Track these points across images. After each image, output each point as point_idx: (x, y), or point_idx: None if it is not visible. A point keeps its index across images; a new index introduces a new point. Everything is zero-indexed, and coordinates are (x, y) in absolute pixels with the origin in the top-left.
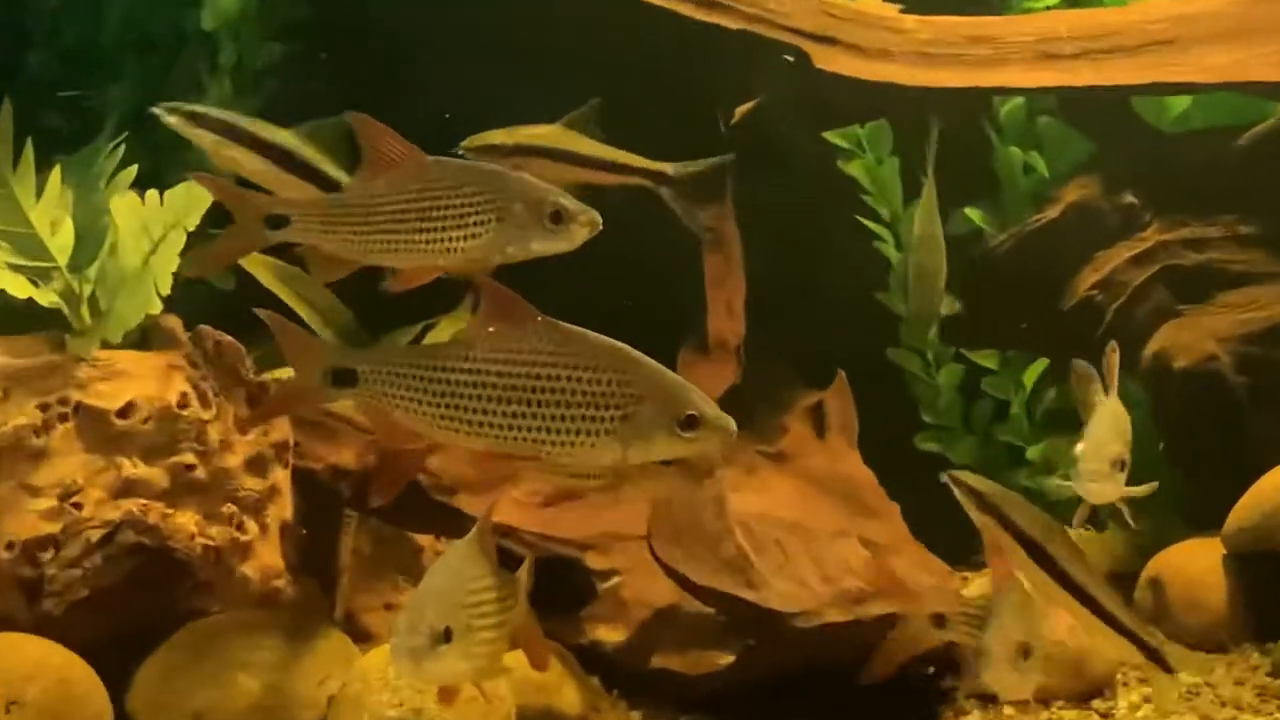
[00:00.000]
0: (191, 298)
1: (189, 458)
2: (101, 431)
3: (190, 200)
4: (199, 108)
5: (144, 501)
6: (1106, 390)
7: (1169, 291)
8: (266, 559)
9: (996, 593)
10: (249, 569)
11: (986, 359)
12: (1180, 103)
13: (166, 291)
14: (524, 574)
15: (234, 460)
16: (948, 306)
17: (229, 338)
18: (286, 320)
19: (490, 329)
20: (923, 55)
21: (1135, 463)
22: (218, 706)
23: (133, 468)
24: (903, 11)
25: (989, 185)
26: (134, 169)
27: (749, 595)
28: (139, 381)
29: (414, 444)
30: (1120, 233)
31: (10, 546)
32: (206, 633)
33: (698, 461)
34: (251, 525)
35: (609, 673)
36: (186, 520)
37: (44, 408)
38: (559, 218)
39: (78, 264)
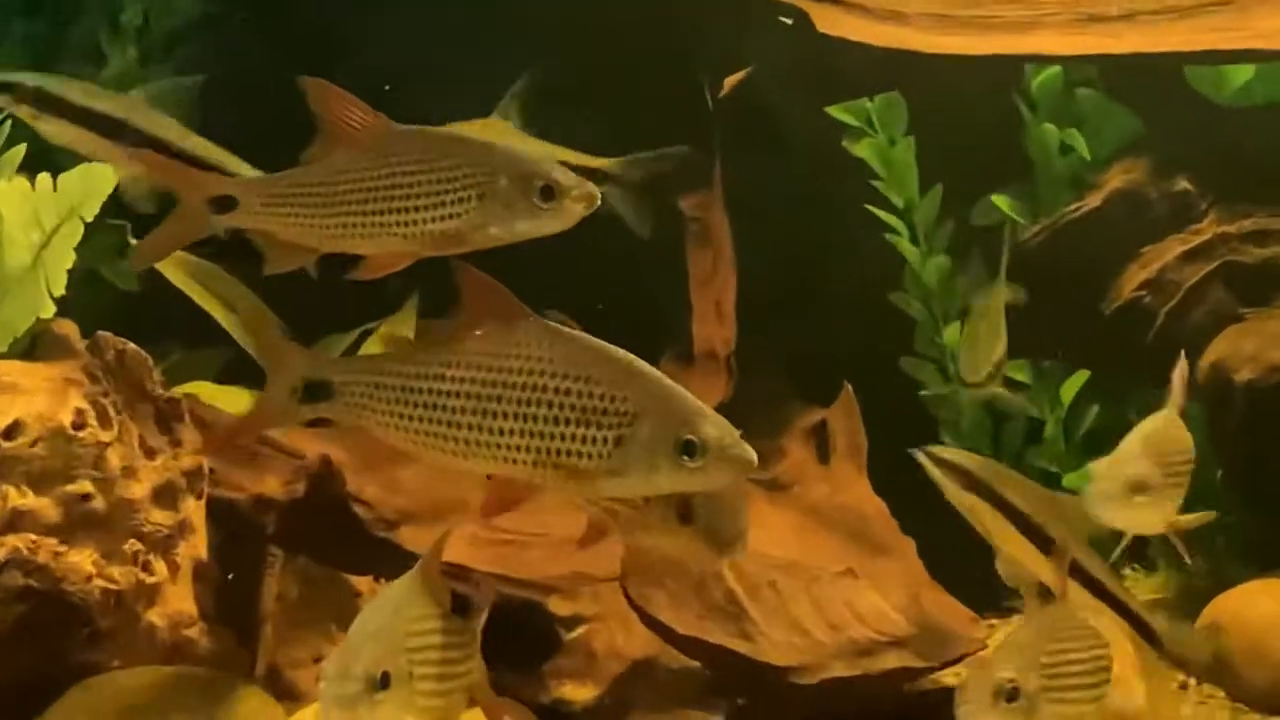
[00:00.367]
0: (89, 299)
1: (85, 486)
2: None
3: (88, 185)
4: (11, 76)
5: (33, 537)
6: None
7: (1229, 292)
8: (176, 604)
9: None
10: (156, 616)
11: (1017, 371)
12: (1241, 73)
13: (60, 292)
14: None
15: (139, 489)
16: (1012, 294)
17: (133, 346)
18: (267, 314)
19: (478, 331)
20: (941, 17)
21: (1190, 490)
22: None
23: (19, 498)
24: None
25: (1020, 168)
26: (21, 149)
27: (740, 646)
28: (26, 397)
29: (390, 468)
30: (1172, 224)
31: None
32: (105, 691)
33: (722, 520)
34: (159, 565)
35: None
36: (82, 559)
37: None
38: (550, 193)
39: None
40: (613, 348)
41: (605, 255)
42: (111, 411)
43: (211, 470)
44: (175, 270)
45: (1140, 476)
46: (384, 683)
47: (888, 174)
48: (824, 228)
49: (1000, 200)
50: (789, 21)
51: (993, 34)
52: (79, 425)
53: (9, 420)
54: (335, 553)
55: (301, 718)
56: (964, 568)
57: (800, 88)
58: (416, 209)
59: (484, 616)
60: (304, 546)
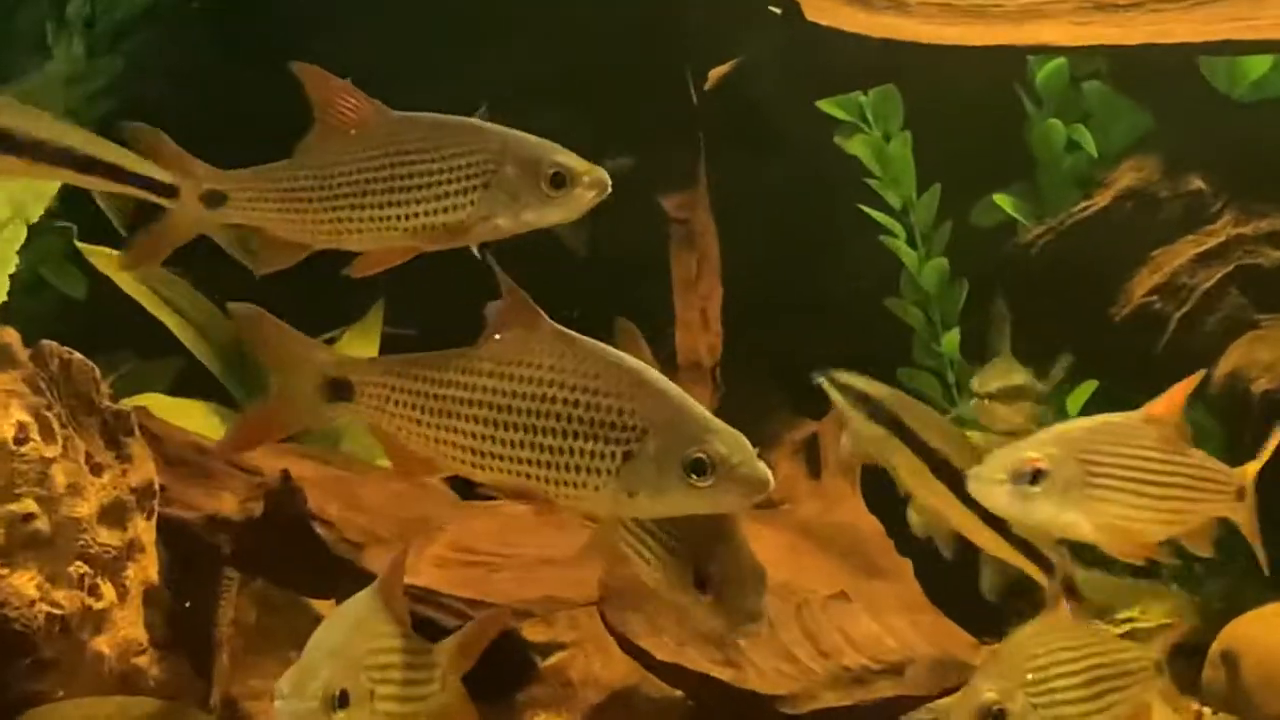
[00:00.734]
0: (33, 306)
1: (29, 505)
2: None
3: (33, 186)
4: None
5: None
6: None
7: (1245, 297)
8: (125, 630)
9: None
10: (103, 643)
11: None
12: (1258, 65)
13: (1, 298)
14: (452, 646)
15: (85, 508)
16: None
17: (79, 356)
18: (266, 315)
19: (496, 336)
20: (942, 6)
21: None
22: None
23: None
24: None
25: (1024, 166)
26: None
27: (725, 674)
28: None
29: (428, 474)
30: (1184, 225)
31: None
32: None
33: (741, 591)
34: (107, 589)
35: None
36: (24, 582)
37: None
38: (560, 180)
39: None
40: (626, 357)
41: (582, 258)
42: (56, 425)
43: (163, 488)
44: (126, 276)
45: (1032, 463)
46: (342, 701)
47: (883, 172)
48: (815, 229)
49: (1003, 200)
50: (777, 11)
51: (995, 24)
52: (21, 440)
53: None
54: (295, 575)
55: None
56: (963, 590)
57: (790, 80)
58: (417, 201)
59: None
60: (262, 568)
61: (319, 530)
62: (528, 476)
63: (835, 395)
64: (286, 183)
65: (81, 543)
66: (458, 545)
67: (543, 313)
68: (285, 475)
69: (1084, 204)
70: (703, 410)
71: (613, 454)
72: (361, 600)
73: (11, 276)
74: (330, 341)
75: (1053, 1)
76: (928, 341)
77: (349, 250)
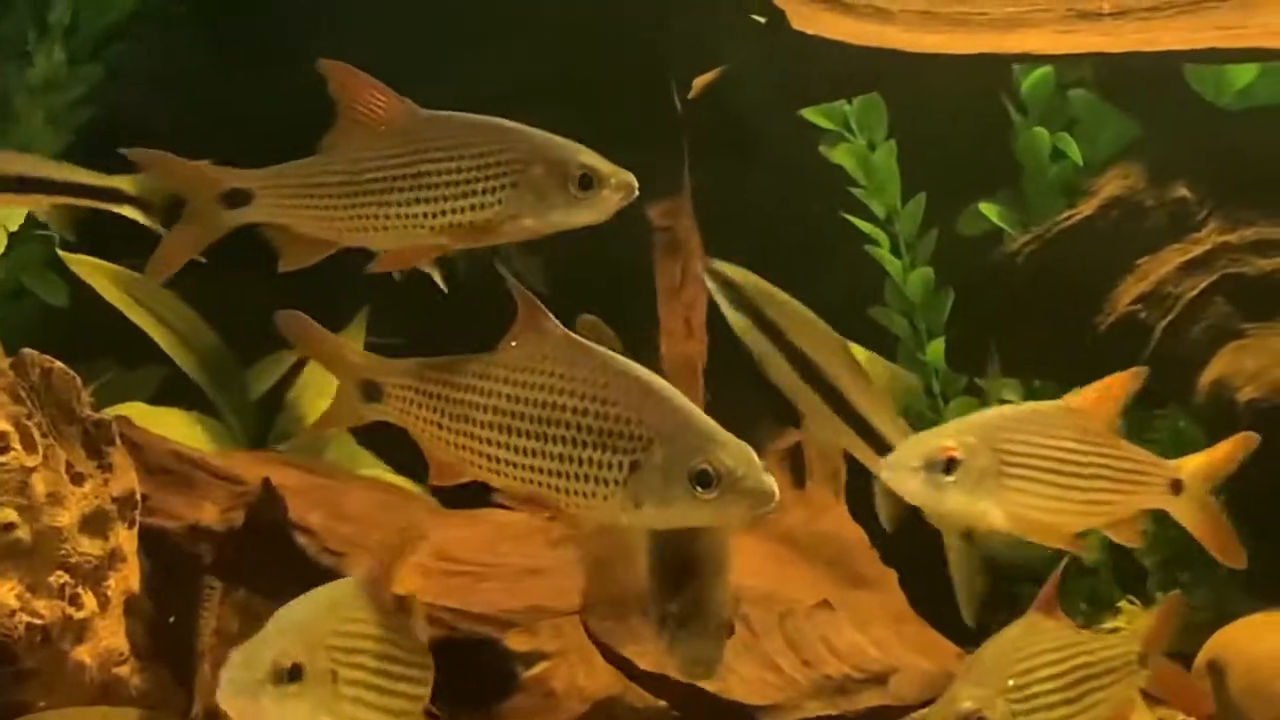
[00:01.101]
0: (14, 315)
1: (8, 514)
2: None
3: None
4: None
5: None
6: None
7: (1230, 306)
8: (107, 640)
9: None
10: (84, 653)
11: (1006, 389)
12: (1244, 74)
13: None
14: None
15: (66, 517)
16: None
17: (60, 364)
18: (307, 319)
19: (512, 343)
20: (926, 14)
21: None
22: None
23: None
24: None
25: (1009, 174)
26: None
27: (708, 684)
28: None
29: (454, 479)
30: (1170, 234)
31: None
32: None
33: (699, 642)
34: (88, 598)
35: None
36: (5, 592)
37: None
38: (588, 182)
39: None
40: (636, 367)
41: (566, 264)
42: (37, 434)
43: (144, 497)
44: (107, 284)
45: (945, 450)
46: (293, 675)
47: (867, 181)
48: (799, 238)
49: (989, 208)
50: (761, 20)
51: (979, 32)
52: (1, 449)
53: None
54: (277, 584)
55: None
56: (950, 599)
57: (774, 89)
58: (444, 199)
59: None
60: (244, 577)
61: (301, 539)
62: (539, 484)
63: (709, 283)
64: (312, 179)
65: (62, 552)
66: (441, 554)
67: (555, 320)
68: (267, 484)
69: (1069, 213)
70: (710, 422)
71: (620, 464)
72: (341, 584)
73: None
74: None
75: (1038, 10)
76: (913, 350)
77: (374, 248)
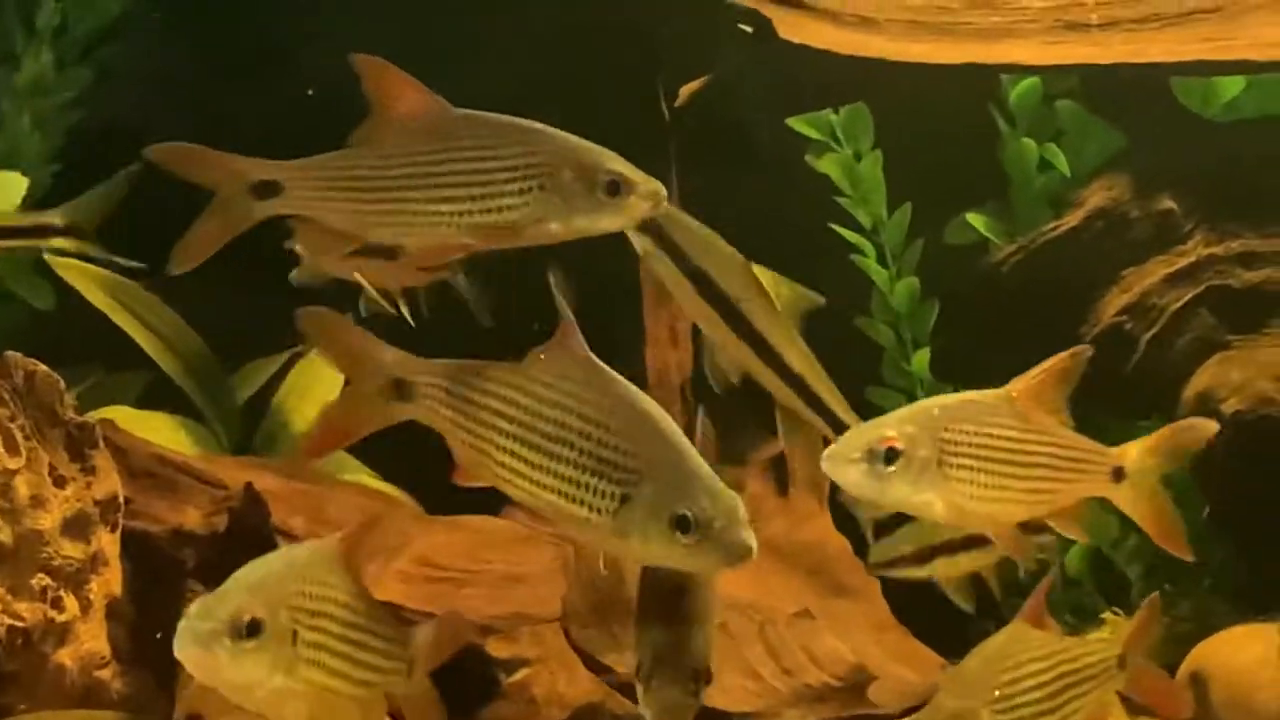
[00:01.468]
0: (0, 319)
1: None
2: None
3: None
4: None
5: None
6: None
7: (1215, 318)
8: (88, 644)
9: None
10: (65, 656)
11: None
12: (1231, 87)
13: None
14: (426, 636)
15: (48, 520)
16: None
17: (44, 368)
18: (334, 315)
19: (541, 355)
20: (912, 24)
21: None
22: None
23: None
24: None
25: (996, 185)
26: None
27: None
28: None
29: (477, 482)
30: (1155, 245)
31: None
32: None
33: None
34: (70, 602)
35: None
36: None
37: None
38: (616, 188)
39: None
40: (646, 400)
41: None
42: (19, 437)
43: (127, 500)
44: (93, 288)
45: (886, 440)
46: (251, 630)
47: (853, 191)
48: (785, 247)
49: (975, 219)
50: (749, 29)
51: (966, 42)
52: None
53: None
54: None
55: None
56: (932, 609)
57: (761, 98)
58: (470, 198)
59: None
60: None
61: (283, 544)
62: (543, 500)
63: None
64: (342, 172)
65: (44, 555)
66: (423, 560)
67: (582, 341)
68: (249, 489)
69: (1054, 224)
70: (702, 466)
71: (613, 493)
72: (316, 545)
73: None
74: (297, 357)
75: (1025, 20)
76: (898, 360)
77: (400, 244)
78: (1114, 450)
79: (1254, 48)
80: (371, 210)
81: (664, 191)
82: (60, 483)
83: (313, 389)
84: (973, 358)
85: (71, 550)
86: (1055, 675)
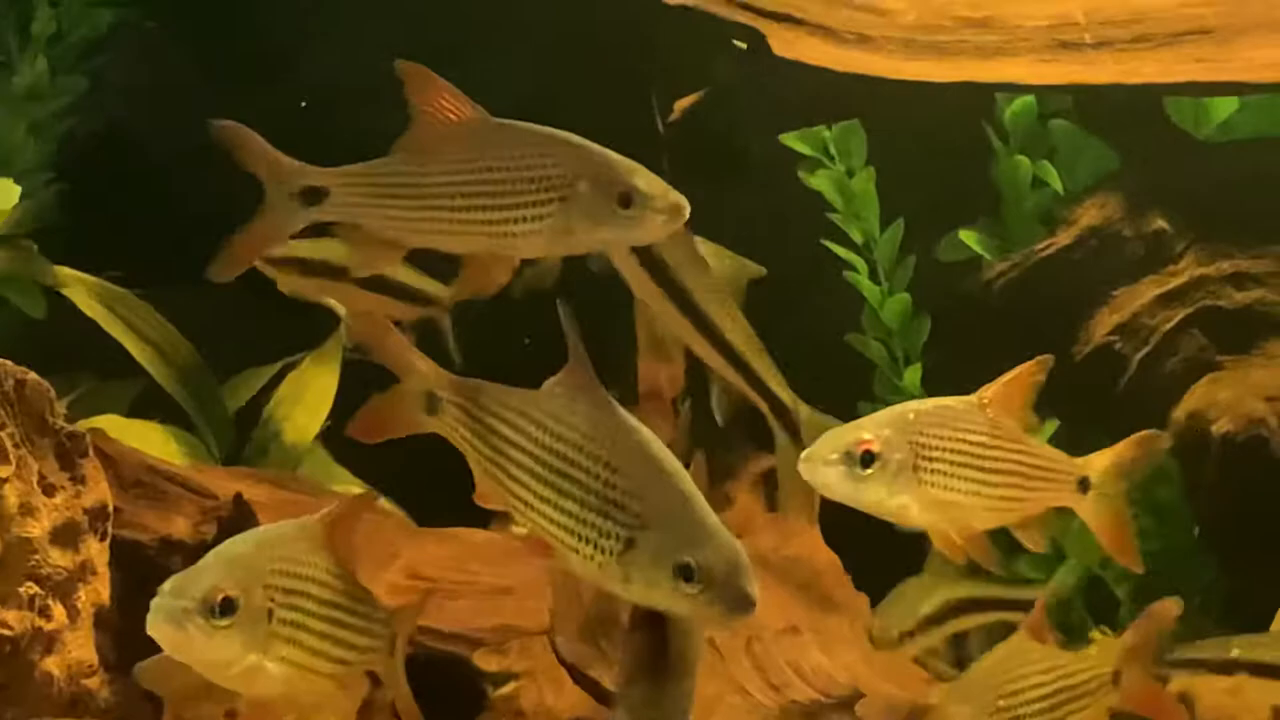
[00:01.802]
0: None
1: None
2: None
3: None
4: None
5: None
6: None
7: (1206, 339)
8: (76, 652)
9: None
10: (53, 664)
11: None
12: (1224, 107)
13: None
14: (404, 611)
15: (37, 529)
16: None
17: (34, 375)
18: (385, 322)
19: (556, 387)
20: (907, 42)
21: (1164, 548)
22: None
23: None
24: None
25: (988, 202)
26: None
27: None
28: None
29: (495, 504)
30: (1147, 265)
31: None
32: None
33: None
34: (58, 610)
35: None
36: None
37: None
38: (629, 201)
39: None
40: (655, 444)
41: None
42: (9, 445)
43: (117, 509)
44: (86, 296)
45: (863, 443)
46: (225, 609)
47: (846, 207)
48: (777, 263)
49: (968, 236)
50: (743, 46)
51: (960, 60)
52: None
53: None
54: None
55: None
56: None
57: (755, 114)
58: (500, 208)
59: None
60: None
61: None
62: (550, 534)
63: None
64: (383, 179)
65: (32, 563)
66: (412, 572)
67: (594, 375)
68: (238, 499)
69: (1046, 242)
70: (708, 515)
71: (618, 535)
72: (295, 524)
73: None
74: (289, 367)
75: (1019, 39)
76: (889, 377)
77: (442, 250)
78: (1080, 461)
79: (1247, 69)
80: (411, 218)
81: (684, 204)
82: (49, 491)
83: (304, 399)
84: (964, 374)
85: (60, 559)
86: (1055, 689)
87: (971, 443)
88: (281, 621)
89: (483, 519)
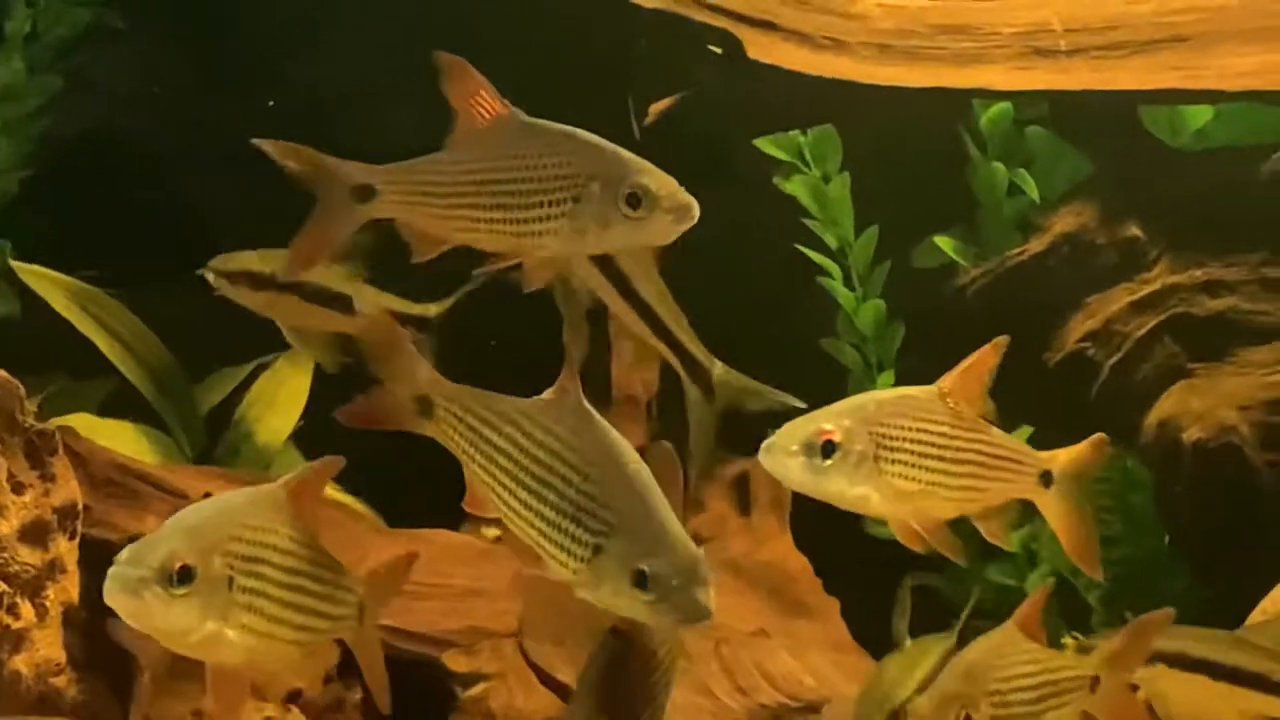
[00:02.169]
0: None
1: None
2: None
3: None
4: None
5: None
6: None
7: (1179, 346)
8: (44, 650)
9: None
10: (20, 663)
11: None
12: (1199, 115)
13: None
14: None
15: (5, 527)
16: None
17: (3, 373)
18: (395, 324)
19: (545, 397)
20: (884, 47)
21: (1135, 555)
22: None
23: None
24: None
25: (963, 209)
26: None
27: None
28: None
29: (484, 512)
30: (1120, 272)
31: None
32: None
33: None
34: (26, 608)
35: None
36: None
37: None
38: (637, 202)
39: None
40: (628, 451)
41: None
42: None
43: (87, 508)
44: (59, 295)
45: (824, 433)
46: (182, 577)
47: (820, 213)
48: (752, 268)
49: (944, 242)
50: (718, 50)
51: (935, 66)
52: None
53: None
54: None
55: None
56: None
57: (731, 118)
58: (520, 207)
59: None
60: None
61: None
62: (531, 540)
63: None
64: (425, 177)
65: (0, 561)
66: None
67: (579, 387)
68: (208, 498)
69: (1020, 248)
70: (673, 523)
71: (588, 542)
72: (256, 490)
73: None
74: (262, 368)
75: (995, 46)
76: (863, 382)
77: (480, 248)
78: (1043, 454)
79: (1222, 77)
80: (448, 216)
81: (693, 205)
82: (18, 489)
83: (277, 400)
84: (938, 380)
85: (29, 557)
86: (1040, 681)
87: (933, 432)
88: (241, 589)
89: (454, 521)
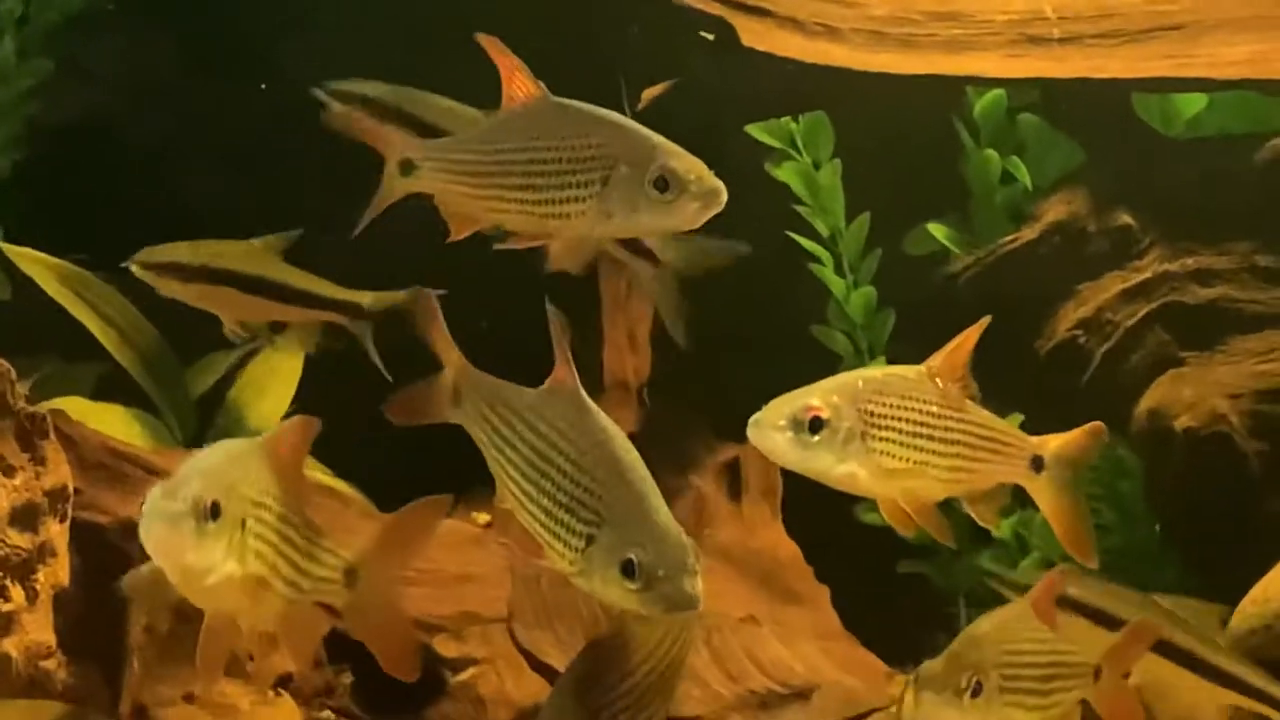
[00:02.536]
0: None
1: None
2: None
3: None
4: None
5: None
6: None
7: (1169, 335)
8: (33, 634)
9: None
10: (10, 646)
11: None
12: (1192, 103)
13: None
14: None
15: None
16: None
17: None
18: (435, 308)
19: (547, 388)
20: (877, 34)
21: (1126, 544)
22: None
23: None
24: None
25: (956, 196)
26: None
27: None
28: None
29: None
30: (1112, 261)
31: None
32: None
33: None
34: (16, 592)
35: None
36: None
37: None
38: (665, 185)
39: None
40: (622, 443)
41: (508, 274)
42: None
43: (77, 491)
44: (50, 278)
45: (812, 409)
46: (214, 513)
47: (812, 199)
48: (743, 255)
49: (936, 229)
50: (710, 37)
51: (928, 53)
52: None
53: None
54: None
55: None
56: (881, 618)
57: (723, 104)
58: (549, 188)
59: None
60: None
61: None
62: (533, 528)
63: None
64: (459, 155)
65: None
66: None
67: (576, 380)
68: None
69: (1012, 236)
70: (658, 515)
71: (581, 533)
72: (246, 442)
73: None
74: (253, 352)
75: (988, 33)
76: (854, 369)
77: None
78: (1034, 439)
79: (1214, 66)
80: (478, 195)
81: (721, 189)
82: (9, 472)
83: (268, 384)
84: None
85: (19, 540)
86: (1049, 661)
87: (922, 411)
88: (252, 534)
89: None
